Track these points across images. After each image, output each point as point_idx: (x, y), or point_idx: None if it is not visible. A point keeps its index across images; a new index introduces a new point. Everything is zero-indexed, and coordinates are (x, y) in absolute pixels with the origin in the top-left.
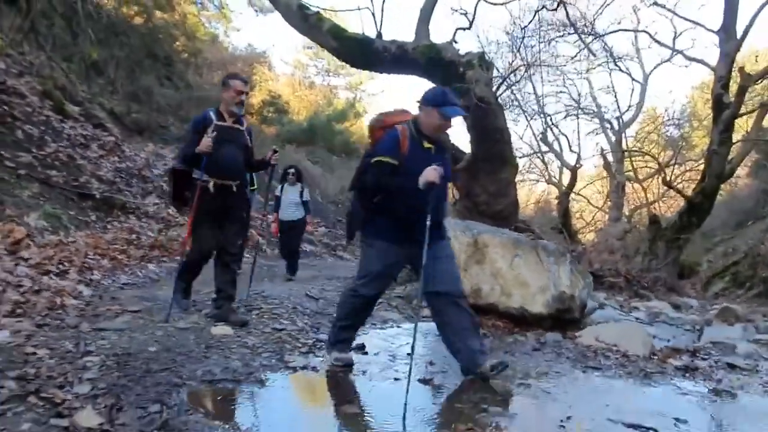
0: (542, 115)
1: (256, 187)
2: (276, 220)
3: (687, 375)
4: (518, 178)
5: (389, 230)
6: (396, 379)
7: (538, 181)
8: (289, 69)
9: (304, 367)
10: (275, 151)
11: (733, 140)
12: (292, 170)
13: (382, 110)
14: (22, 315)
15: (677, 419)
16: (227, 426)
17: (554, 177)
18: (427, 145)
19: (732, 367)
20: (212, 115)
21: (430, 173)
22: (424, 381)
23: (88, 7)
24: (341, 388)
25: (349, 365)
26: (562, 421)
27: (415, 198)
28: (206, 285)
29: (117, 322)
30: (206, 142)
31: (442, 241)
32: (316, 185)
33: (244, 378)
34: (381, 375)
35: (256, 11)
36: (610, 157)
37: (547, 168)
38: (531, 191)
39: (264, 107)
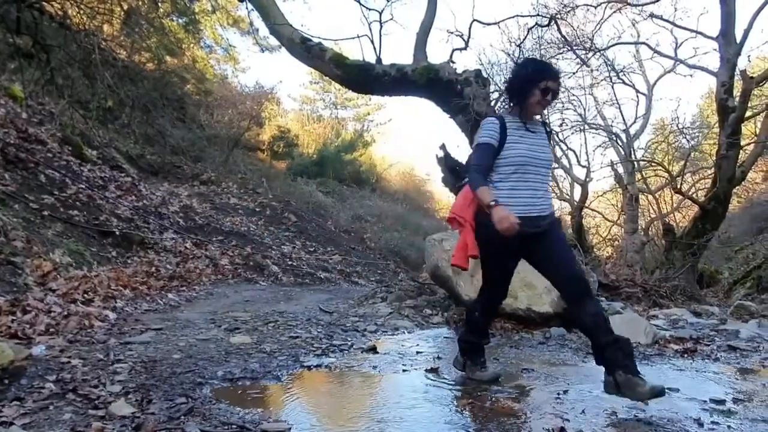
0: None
1: None
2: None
3: (686, 356)
4: None
5: None
6: (404, 371)
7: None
8: (297, 104)
9: (318, 366)
10: None
11: (742, 143)
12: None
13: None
14: (54, 333)
15: (670, 388)
16: (248, 411)
17: (566, 193)
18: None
19: (733, 349)
20: None
21: None
22: (431, 370)
23: (103, 56)
24: (352, 379)
25: None
26: (558, 394)
27: None
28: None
29: (142, 337)
30: None
31: None
32: (329, 215)
33: (261, 376)
34: (389, 368)
35: (262, 50)
36: (620, 169)
37: (557, 184)
38: None
39: (274, 142)
